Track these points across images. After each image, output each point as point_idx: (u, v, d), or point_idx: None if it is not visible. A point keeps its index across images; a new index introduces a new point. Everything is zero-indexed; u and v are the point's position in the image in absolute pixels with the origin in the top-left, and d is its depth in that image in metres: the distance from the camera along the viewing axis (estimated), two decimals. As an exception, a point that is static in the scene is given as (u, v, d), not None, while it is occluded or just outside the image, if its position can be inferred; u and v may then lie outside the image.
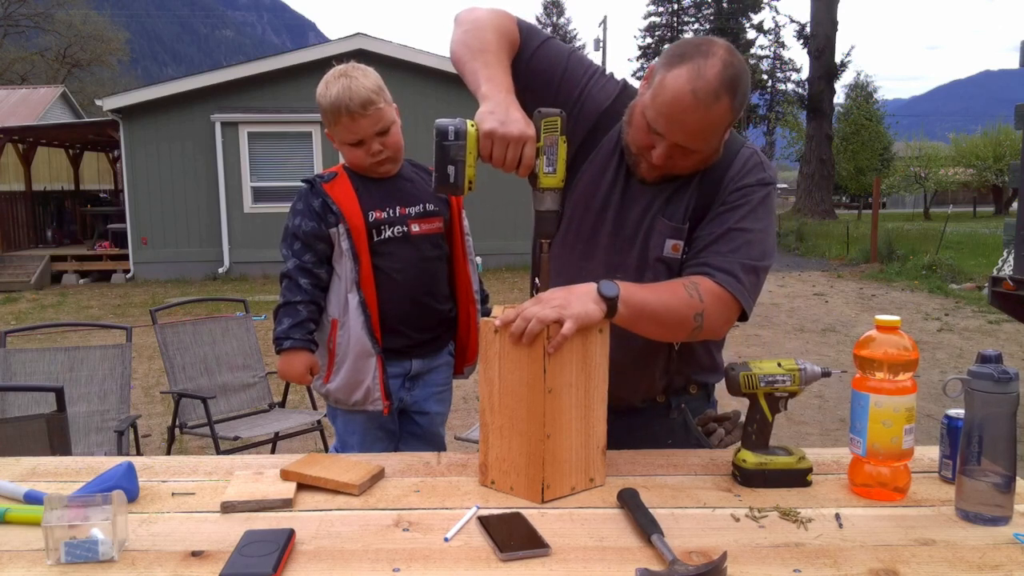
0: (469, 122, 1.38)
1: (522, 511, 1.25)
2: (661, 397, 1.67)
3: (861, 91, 30.79)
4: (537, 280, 1.42)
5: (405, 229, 2.02)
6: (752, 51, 38.43)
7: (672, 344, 1.60)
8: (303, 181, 2.04)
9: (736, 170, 1.53)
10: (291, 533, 1.14)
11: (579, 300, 1.31)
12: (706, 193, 1.54)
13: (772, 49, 39.29)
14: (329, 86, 1.93)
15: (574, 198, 1.58)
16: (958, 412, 1.35)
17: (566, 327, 1.27)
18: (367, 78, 1.93)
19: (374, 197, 2.01)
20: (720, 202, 1.53)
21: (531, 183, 1.43)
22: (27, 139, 15.15)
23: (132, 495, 1.30)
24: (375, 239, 1.99)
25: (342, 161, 2.09)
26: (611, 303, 1.33)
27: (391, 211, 2.01)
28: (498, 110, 1.37)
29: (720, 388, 1.56)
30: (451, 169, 1.37)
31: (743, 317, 1.51)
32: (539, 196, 1.42)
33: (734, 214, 1.51)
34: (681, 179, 1.55)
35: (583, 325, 1.30)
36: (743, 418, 1.65)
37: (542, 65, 1.59)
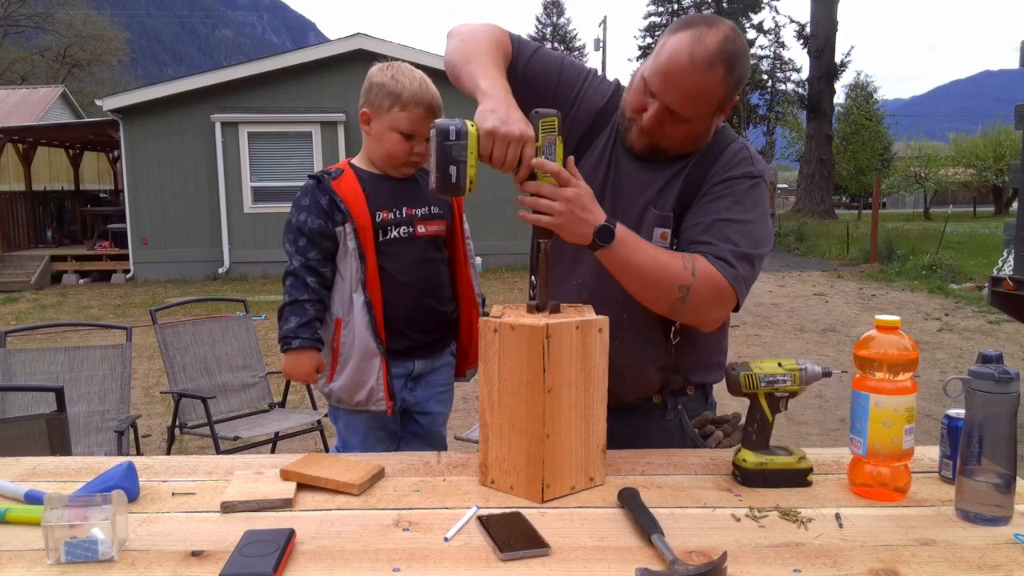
0: (469, 122, 1.37)
1: (522, 511, 1.25)
2: (657, 398, 1.66)
3: (861, 91, 30.81)
4: (533, 279, 1.43)
5: (411, 230, 2.02)
6: (752, 51, 38.41)
7: (669, 338, 1.60)
8: (309, 177, 2.03)
9: (723, 163, 1.55)
10: (291, 533, 1.14)
11: (581, 222, 1.37)
12: (692, 183, 1.56)
13: (772, 49, 39.26)
14: (404, 76, 1.95)
15: None
16: (958, 412, 1.35)
17: (516, 134, 1.34)
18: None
19: (381, 196, 2.00)
20: (703, 193, 1.54)
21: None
22: (27, 139, 15.15)
23: (132, 495, 1.30)
24: (380, 239, 1.99)
25: (345, 158, 2.08)
26: (603, 236, 1.37)
27: (398, 212, 2.01)
28: (499, 109, 1.37)
29: (720, 388, 1.56)
30: (453, 169, 1.36)
31: (736, 307, 1.51)
32: None
33: (718, 204, 1.52)
34: (671, 170, 1.57)
35: (561, 232, 1.38)
36: (743, 420, 1.65)
37: (538, 72, 1.62)
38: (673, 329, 1.60)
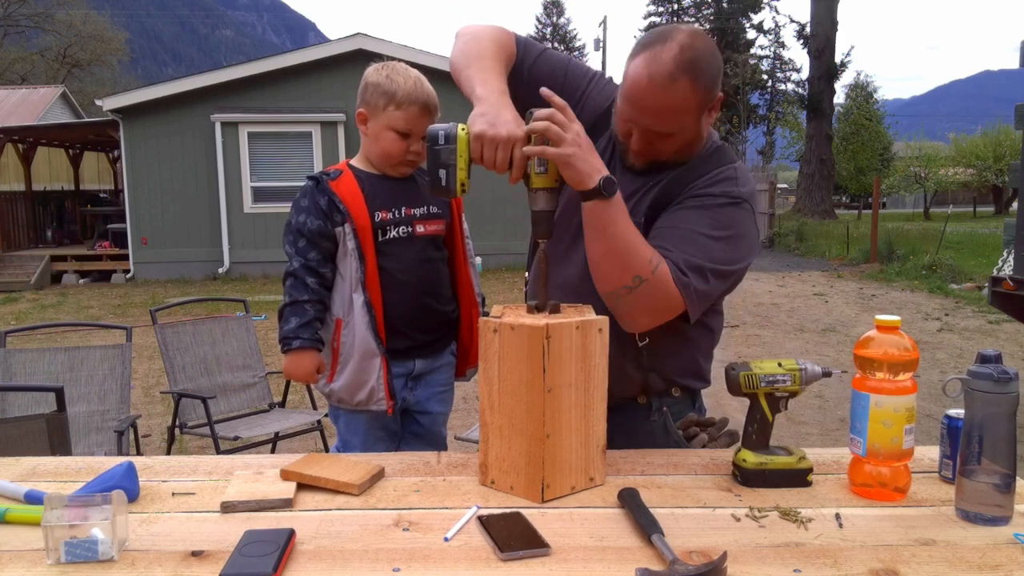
0: (460, 126, 1.42)
1: (522, 511, 1.25)
2: (642, 398, 1.65)
3: (861, 91, 30.79)
4: (527, 275, 1.44)
5: (410, 229, 2.03)
6: (752, 51, 38.37)
7: (635, 340, 1.57)
8: (308, 178, 2.04)
9: (706, 179, 1.54)
10: (291, 533, 1.14)
11: (589, 163, 1.36)
12: (670, 192, 1.55)
13: (772, 49, 39.22)
14: (400, 75, 1.97)
15: (567, 196, 1.59)
16: (958, 412, 1.35)
17: (504, 137, 1.35)
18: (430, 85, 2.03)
19: (380, 197, 2.01)
20: (676, 203, 1.53)
21: (525, 183, 1.44)
22: (27, 139, 15.15)
23: (132, 495, 1.30)
24: (379, 239, 1.99)
25: (344, 159, 2.10)
26: (610, 187, 1.36)
27: (397, 211, 2.02)
28: (489, 112, 1.40)
29: (720, 389, 1.56)
30: (442, 172, 1.42)
31: (687, 317, 1.47)
32: (533, 196, 1.43)
33: (686, 214, 1.50)
34: (655, 179, 1.57)
35: (567, 166, 1.35)
36: (731, 425, 1.65)
37: (544, 72, 1.64)
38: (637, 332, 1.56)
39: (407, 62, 2.08)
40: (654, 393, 1.65)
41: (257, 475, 1.39)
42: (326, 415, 2.92)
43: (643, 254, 1.41)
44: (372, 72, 2.00)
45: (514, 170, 1.39)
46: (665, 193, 1.55)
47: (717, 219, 1.49)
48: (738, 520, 1.23)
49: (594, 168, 1.38)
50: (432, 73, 2.06)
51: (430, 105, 1.98)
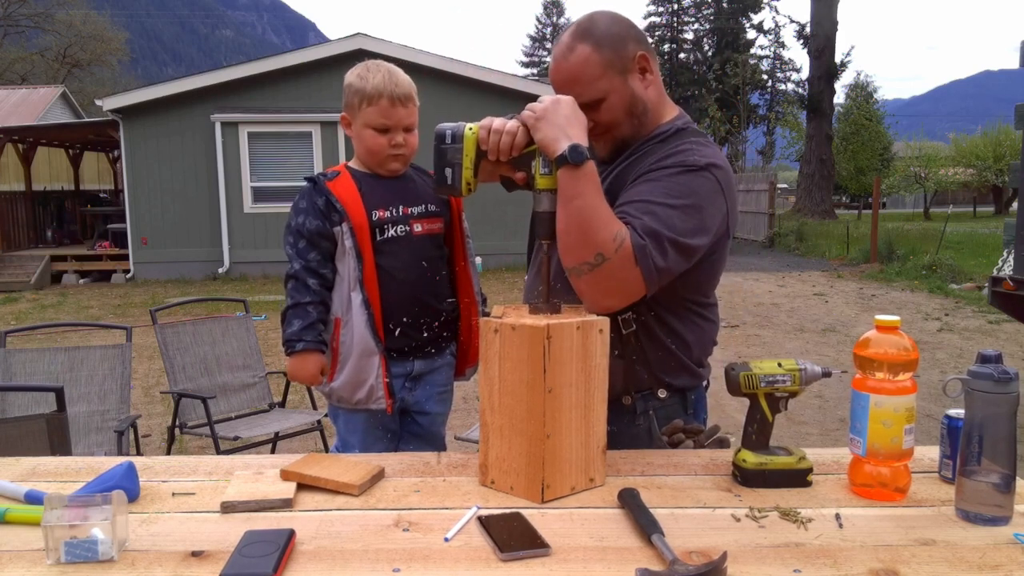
0: (468, 126, 1.45)
1: (522, 511, 1.25)
2: (627, 399, 1.61)
3: (861, 91, 30.78)
4: (527, 278, 1.44)
5: (407, 228, 2.03)
6: (752, 51, 38.40)
7: (620, 328, 1.54)
8: (306, 179, 2.05)
9: (655, 159, 1.53)
10: (291, 533, 1.14)
11: (559, 128, 1.40)
12: (621, 178, 1.55)
13: (772, 49, 39.25)
14: (371, 72, 1.98)
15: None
16: (958, 412, 1.35)
17: (511, 125, 1.43)
18: (407, 77, 2.03)
19: (377, 195, 2.01)
20: (634, 176, 1.53)
21: (530, 185, 1.46)
22: (27, 139, 15.17)
23: (132, 495, 1.30)
24: (378, 238, 2.00)
25: (344, 161, 2.10)
26: (576, 153, 1.37)
27: (394, 210, 2.02)
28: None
29: (721, 388, 1.55)
30: (448, 171, 1.47)
31: (644, 289, 1.44)
32: (537, 197, 1.45)
33: (639, 188, 1.48)
34: (622, 162, 1.60)
35: (535, 130, 1.40)
36: (720, 433, 1.64)
37: None
38: (622, 319, 1.54)
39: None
40: (639, 392, 1.61)
41: (257, 475, 1.39)
42: (326, 415, 2.92)
43: (608, 230, 1.39)
44: (349, 74, 2.02)
45: (514, 149, 1.44)
46: (619, 178, 1.56)
47: (671, 188, 1.46)
48: (738, 520, 1.23)
49: (564, 134, 1.39)
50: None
51: (399, 95, 1.96)
